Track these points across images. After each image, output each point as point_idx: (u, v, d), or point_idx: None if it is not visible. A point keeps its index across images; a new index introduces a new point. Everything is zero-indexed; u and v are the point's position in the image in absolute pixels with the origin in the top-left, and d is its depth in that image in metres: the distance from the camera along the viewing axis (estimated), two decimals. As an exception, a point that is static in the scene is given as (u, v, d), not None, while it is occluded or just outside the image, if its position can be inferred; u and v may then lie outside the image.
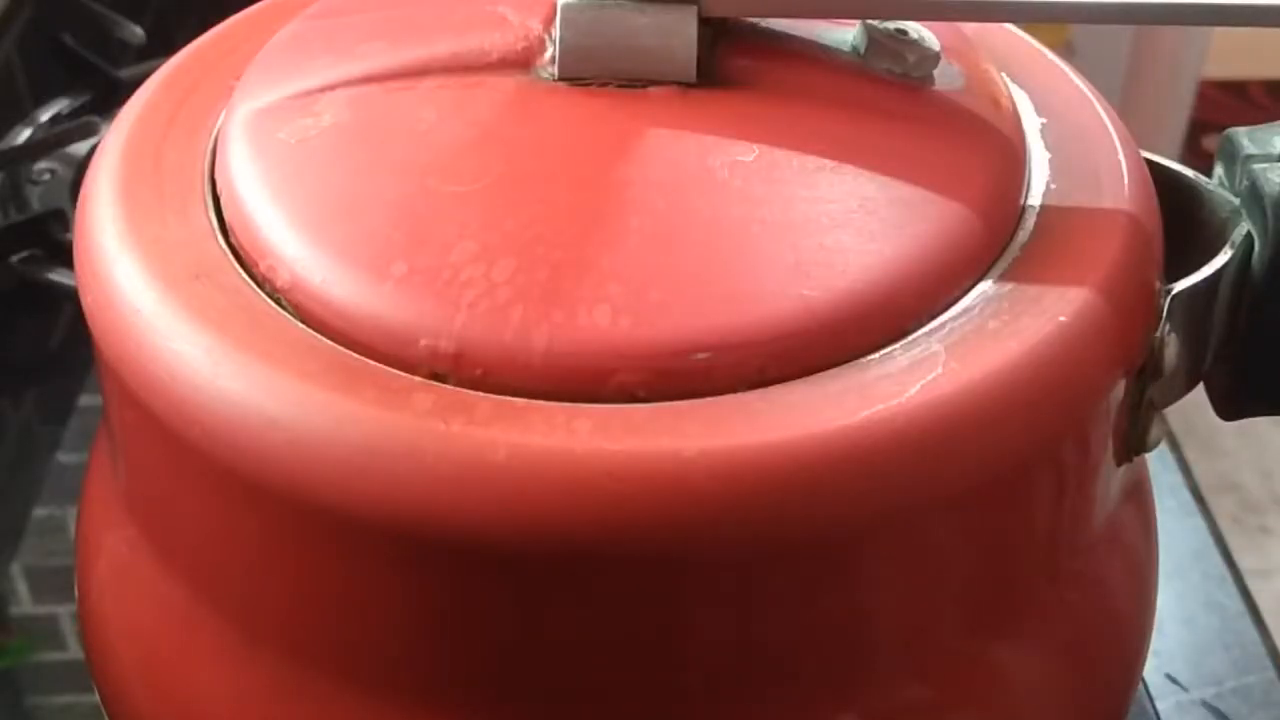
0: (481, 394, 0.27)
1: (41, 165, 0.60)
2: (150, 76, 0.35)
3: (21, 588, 0.47)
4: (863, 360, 0.27)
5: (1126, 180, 0.32)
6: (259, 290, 0.29)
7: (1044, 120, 0.33)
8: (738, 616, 0.27)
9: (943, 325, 0.28)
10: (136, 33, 0.65)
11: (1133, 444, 0.31)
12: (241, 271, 0.30)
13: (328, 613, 0.28)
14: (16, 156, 0.60)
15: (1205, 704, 0.44)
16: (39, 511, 0.49)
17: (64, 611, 0.47)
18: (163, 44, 0.67)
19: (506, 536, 0.26)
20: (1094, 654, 0.33)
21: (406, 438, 0.26)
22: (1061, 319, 0.28)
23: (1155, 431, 0.31)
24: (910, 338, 0.28)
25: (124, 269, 0.30)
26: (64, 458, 0.51)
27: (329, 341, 0.28)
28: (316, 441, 0.26)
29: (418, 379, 0.27)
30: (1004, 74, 0.34)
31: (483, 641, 0.28)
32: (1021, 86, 0.34)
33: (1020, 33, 0.36)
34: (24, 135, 0.62)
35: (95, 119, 0.61)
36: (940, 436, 0.26)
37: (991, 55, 0.35)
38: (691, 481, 0.25)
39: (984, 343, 0.28)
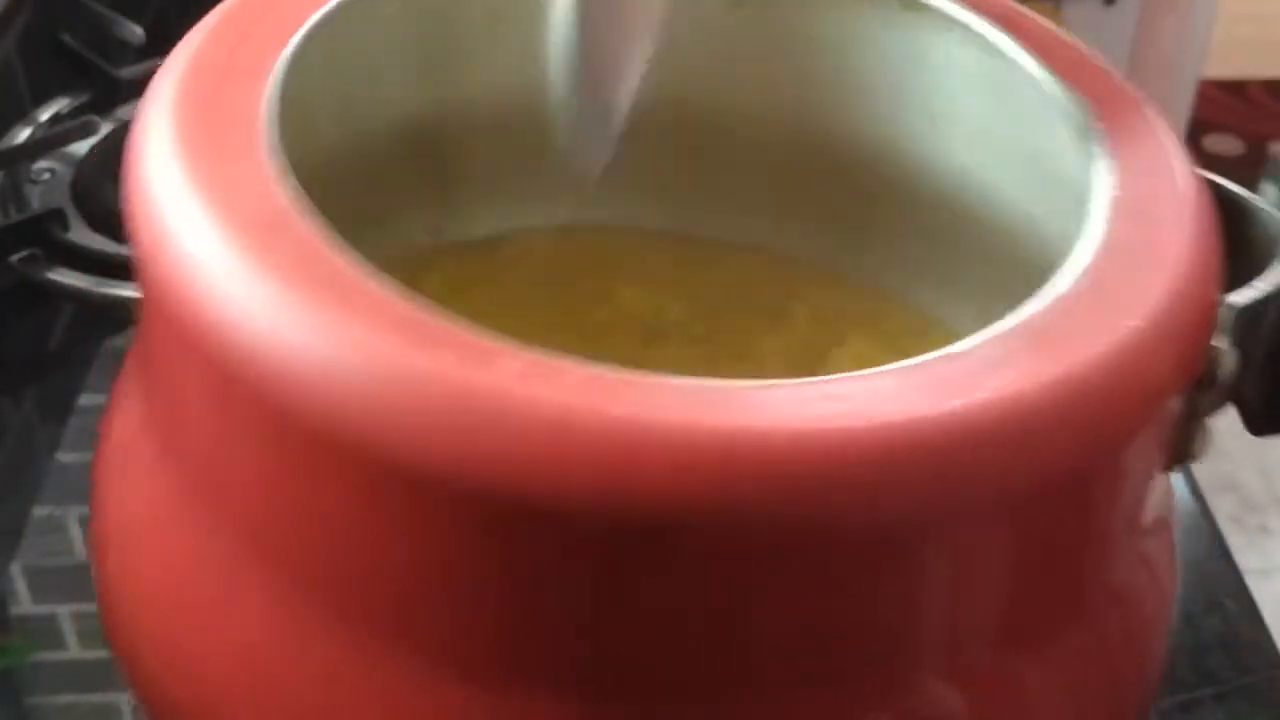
0: (571, 362, 0.26)
1: (41, 165, 0.60)
2: (191, 32, 0.35)
3: (21, 587, 0.47)
4: (949, 351, 0.28)
5: (1189, 190, 0.32)
6: (329, 239, 0.28)
7: (1104, 128, 0.33)
8: (795, 602, 0.27)
9: (1019, 324, 0.28)
10: (136, 32, 0.64)
11: (1179, 453, 0.31)
12: (310, 219, 0.29)
13: (393, 576, 0.28)
14: (16, 156, 0.60)
15: (1206, 704, 0.44)
16: (39, 511, 0.49)
17: (64, 611, 0.47)
18: (162, 43, 0.66)
19: (590, 507, 0.25)
20: (1119, 663, 0.33)
21: (493, 401, 0.25)
22: (1134, 324, 0.28)
23: (1200, 441, 0.32)
24: (990, 334, 0.28)
25: (187, 216, 0.29)
26: (64, 457, 0.51)
27: (404, 300, 0.27)
28: (397, 400, 0.26)
29: (502, 343, 0.26)
30: (1064, 81, 0.34)
31: (549, 612, 0.27)
32: (1082, 94, 0.34)
33: (1078, 41, 0.36)
34: (23, 134, 0.62)
35: (95, 118, 0.60)
36: (1013, 434, 0.27)
37: (1049, 63, 0.35)
38: (774, 461, 0.25)
39: (1059, 343, 0.28)
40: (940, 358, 0.28)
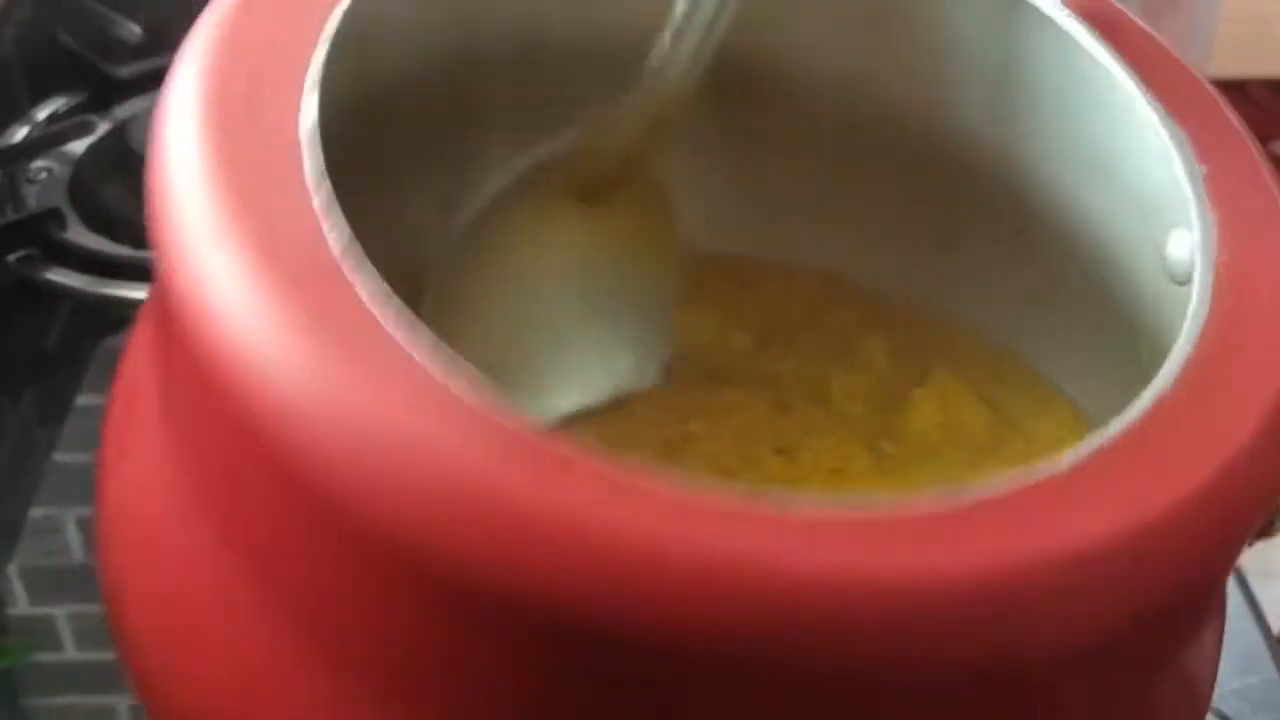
0: (654, 480, 0.24)
1: (38, 164, 0.61)
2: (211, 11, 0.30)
3: (18, 588, 0.47)
4: (1051, 472, 0.26)
5: None
6: (377, 301, 0.25)
7: (1205, 168, 0.31)
8: None
9: (1121, 436, 0.27)
10: (134, 31, 0.65)
11: (1259, 530, 0.30)
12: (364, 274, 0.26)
13: (410, 656, 0.26)
14: (13, 155, 0.60)
15: (1207, 705, 0.44)
16: (35, 512, 0.49)
17: (61, 612, 0.47)
18: (159, 42, 0.67)
19: (671, 643, 0.23)
20: None
21: (564, 522, 0.23)
22: (1246, 433, 0.27)
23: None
24: (1092, 447, 0.26)
25: (220, 260, 0.25)
26: (61, 458, 0.51)
27: (472, 387, 0.24)
28: (451, 508, 0.23)
29: (579, 450, 0.24)
30: (1168, 113, 0.32)
31: None
32: (1185, 128, 0.32)
33: (1183, 62, 0.34)
34: (21, 133, 0.63)
35: (92, 117, 0.61)
36: (1134, 568, 0.25)
37: (1156, 89, 0.33)
38: (876, 607, 0.24)
39: (1170, 460, 0.26)
40: (1046, 481, 0.25)
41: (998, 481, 0.25)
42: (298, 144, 0.28)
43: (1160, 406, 0.27)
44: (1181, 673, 0.31)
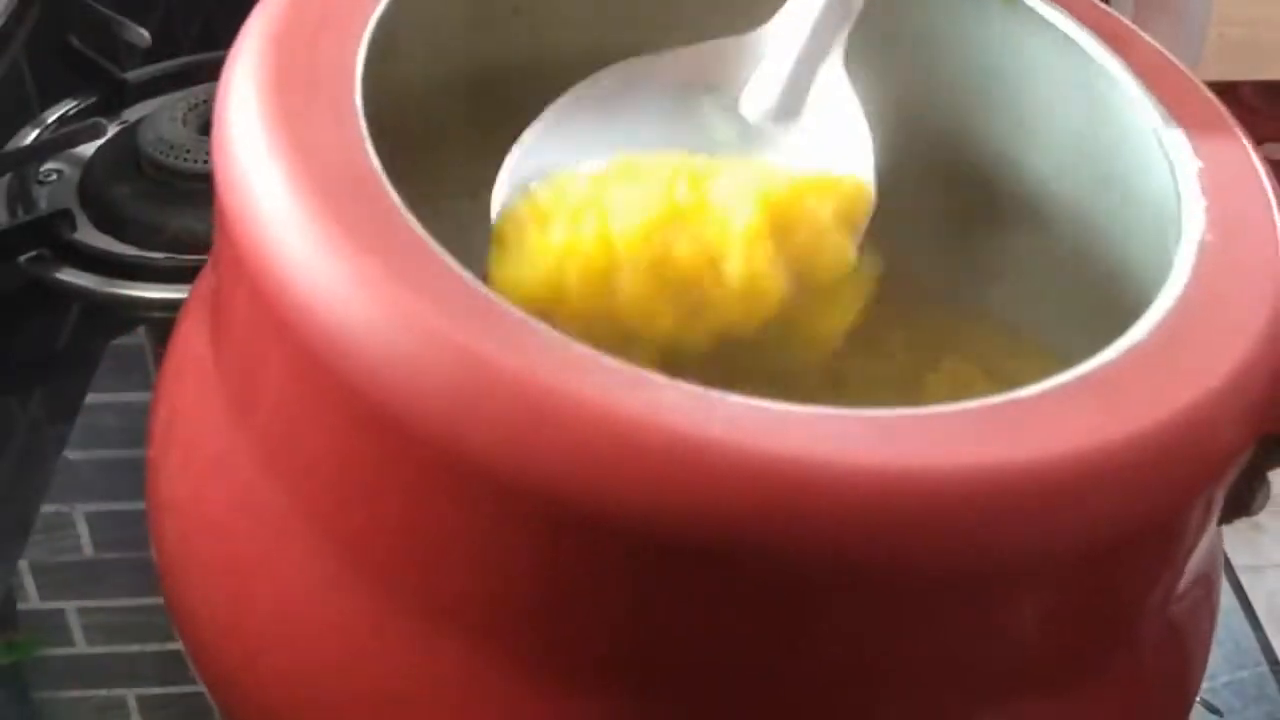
0: (664, 380, 0.25)
1: (49, 166, 0.61)
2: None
3: (29, 584, 0.48)
4: (1023, 396, 0.27)
5: None
6: (409, 212, 0.28)
7: (1201, 164, 0.32)
8: (864, 634, 0.27)
9: (1090, 374, 0.28)
10: (143, 35, 0.65)
11: (1238, 506, 0.31)
12: (392, 190, 0.28)
13: (454, 567, 0.27)
14: (24, 157, 0.61)
15: (1198, 699, 0.44)
16: (46, 508, 0.49)
17: (71, 607, 0.47)
18: (168, 46, 0.67)
19: (689, 533, 0.24)
20: (1164, 696, 0.33)
21: (574, 413, 0.24)
22: (1211, 385, 0.28)
23: (1261, 496, 0.31)
24: (1060, 382, 0.28)
25: (269, 178, 0.28)
26: (71, 455, 0.51)
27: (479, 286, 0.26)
28: (475, 399, 0.25)
29: (595, 351, 0.25)
30: (1166, 111, 0.34)
31: (611, 621, 0.26)
32: (1182, 125, 0.33)
33: (1183, 68, 0.35)
34: (31, 136, 0.63)
35: (101, 120, 0.61)
36: (1086, 489, 0.26)
37: (1154, 90, 0.34)
38: (875, 499, 0.25)
39: (1134, 399, 0.27)
40: (1014, 403, 0.27)
41: (981, 403, 0.27)
42: (349, 89, 0.30)
43: (1136, 350, 0.28)
44: (1172, 625, 0.32)
